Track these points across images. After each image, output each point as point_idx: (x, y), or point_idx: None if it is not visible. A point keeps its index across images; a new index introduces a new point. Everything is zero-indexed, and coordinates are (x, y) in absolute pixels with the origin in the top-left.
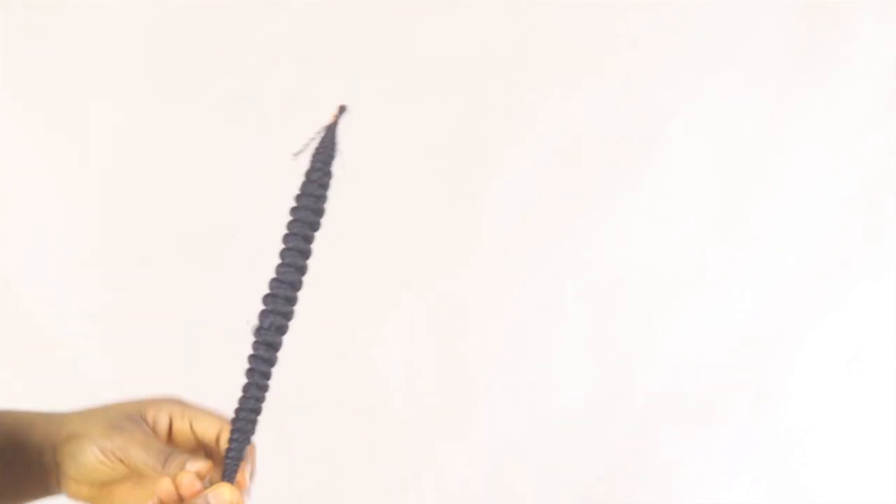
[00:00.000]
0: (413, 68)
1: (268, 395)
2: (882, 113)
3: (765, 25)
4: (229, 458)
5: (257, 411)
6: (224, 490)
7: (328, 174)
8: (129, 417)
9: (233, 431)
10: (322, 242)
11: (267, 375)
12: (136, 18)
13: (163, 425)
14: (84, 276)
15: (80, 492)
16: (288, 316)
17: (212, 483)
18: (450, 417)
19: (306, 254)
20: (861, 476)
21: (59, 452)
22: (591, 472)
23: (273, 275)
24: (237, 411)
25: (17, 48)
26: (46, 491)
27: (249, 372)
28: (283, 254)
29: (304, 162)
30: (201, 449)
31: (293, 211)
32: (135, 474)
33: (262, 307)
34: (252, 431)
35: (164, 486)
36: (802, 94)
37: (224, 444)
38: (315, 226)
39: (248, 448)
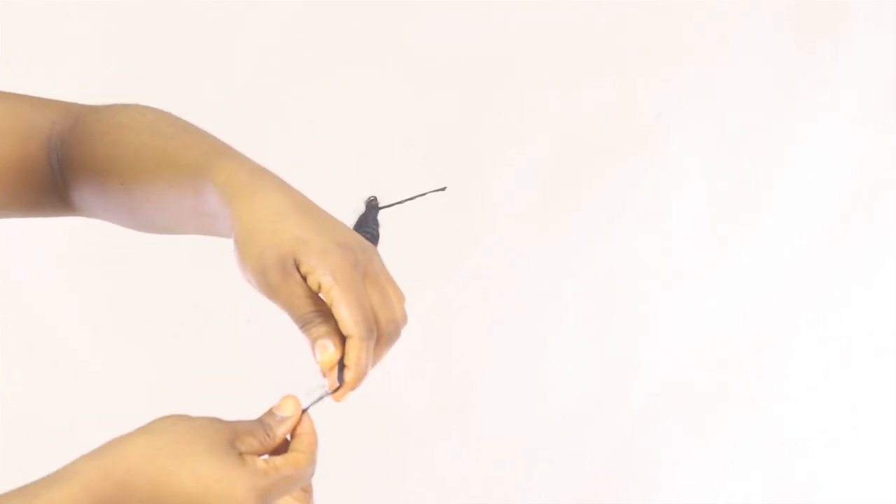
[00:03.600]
0: (412, 68)
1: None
2: (879, 113)
3: (763, 25)
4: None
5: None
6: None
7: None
8: (281, 266)
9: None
10: None
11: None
12: (131, 17)
13: (314, 282)
14: (83, 274)
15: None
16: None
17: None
18: (448, 417)
19: None
20: (859, 475)
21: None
22: (589, 471)
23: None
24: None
25: (9, 49)
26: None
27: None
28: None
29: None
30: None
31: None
32: None
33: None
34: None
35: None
36: (800, 94)
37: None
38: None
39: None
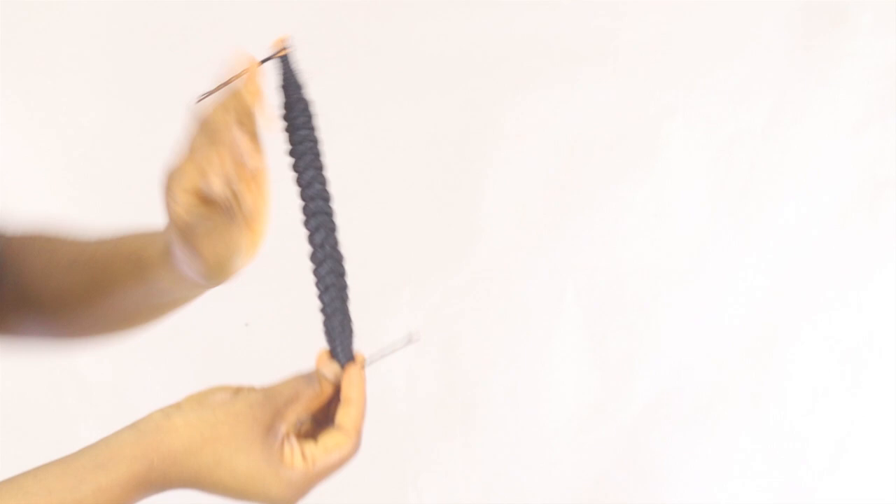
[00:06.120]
0: (410, 68)
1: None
2: (880, 113)
3: (763, 25)
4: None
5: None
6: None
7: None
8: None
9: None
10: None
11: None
12: (131, 17)
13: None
14: None
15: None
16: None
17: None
18: (449, 419)
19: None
20: (860, 476)
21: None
22: (590, 473)
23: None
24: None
25: (10, 47)
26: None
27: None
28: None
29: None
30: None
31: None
32: None
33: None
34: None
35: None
36: (800, 94)
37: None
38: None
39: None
